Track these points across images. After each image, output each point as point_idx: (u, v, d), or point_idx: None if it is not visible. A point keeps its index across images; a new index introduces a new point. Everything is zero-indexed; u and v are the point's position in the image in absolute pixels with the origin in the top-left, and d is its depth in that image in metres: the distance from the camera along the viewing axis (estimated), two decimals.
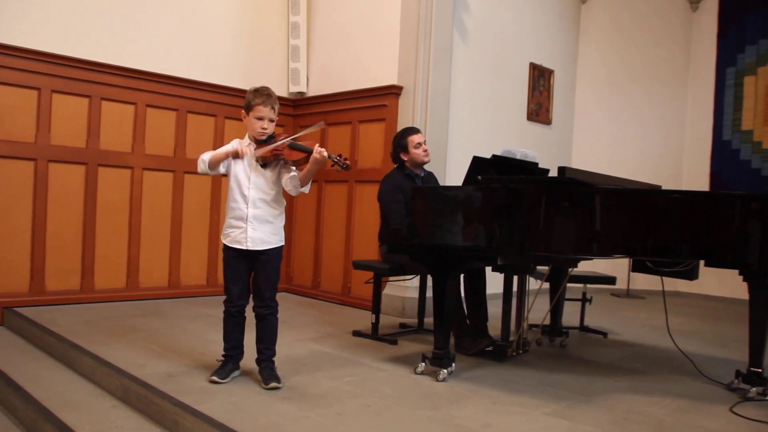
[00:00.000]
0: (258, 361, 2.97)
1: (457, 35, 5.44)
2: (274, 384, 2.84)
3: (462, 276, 3.83)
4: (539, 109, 6.70)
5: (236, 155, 2.85)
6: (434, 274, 3.20)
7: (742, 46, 6.77)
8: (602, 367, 3.60)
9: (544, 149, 6.23)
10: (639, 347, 4.22)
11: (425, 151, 4.07)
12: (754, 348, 3.04)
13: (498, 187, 3.00)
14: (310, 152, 2.84)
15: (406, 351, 3.73)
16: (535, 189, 2.99)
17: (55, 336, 3.70)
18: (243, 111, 2.95)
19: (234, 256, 2.92)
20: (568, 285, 4.26)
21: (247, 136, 2.98)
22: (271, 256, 2.93)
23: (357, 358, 3.53)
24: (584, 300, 4.56)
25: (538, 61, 6.63)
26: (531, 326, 4.31)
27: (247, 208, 2.88)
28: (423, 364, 3.23)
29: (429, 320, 3.83)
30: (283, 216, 3.00)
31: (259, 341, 2.96)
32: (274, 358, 2.98)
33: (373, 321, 4.06)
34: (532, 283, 4.03)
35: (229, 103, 5.53)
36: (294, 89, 5.95)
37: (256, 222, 2.88)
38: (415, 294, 4.65)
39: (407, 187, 3.88)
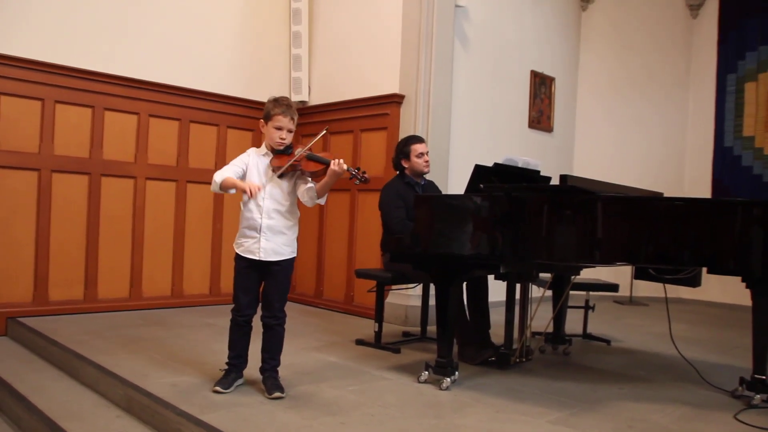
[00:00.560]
0: (262, 371, 2.97)
1: (458, 43, 5.47)
2: (277, 394, 2.84)
3: (464, 284, 3.84)
4: (540, 117, 6.71)
5: (246, 191, 2.78)
6: (437, 282, 3.21)
7: (742, 53, 6.79)
8: (606, 375, 3.60)
9: (545, 157, 6.24)
10: (642, 354, 4.21)
11: (426, 161, 4.09)
12: (758, 355, 3.04)
13: (500, 196, 3.01)
14: (327, 164, 2.82)
15: (410, 359, 3.73)
16: (537, 197, 2.99)
17: (58, 346, 3.71)
18: (261, 120, 2.95)
19: (246, 266, 2.92)
20: (571, 293, 4.26)
21: (264, 145, 2.97)
22: (283, 267, 2.93)
23: (360, 366, 3.53)
24: (587, 307, 4.55)
25: (539, 69, 6.65)
26: (534, 334, 4.31)
27: (261, 218, 2.87)
28: (426, 372, 3.23)
29: (432, 329, 3.82)
30: (297, 227, 2.99)
31: (264, 351, 2.97)
32: (278, 368, 2.98)
33: (376, 330, 4.07)
34: (535, 291, 4.03)
35: (231, 113, 5.56)
36: (296, 98, 5.96)
37: (269, 232, 2.87)
38: (418, 302, 4.65)
39: (408, 194, 3.90)
